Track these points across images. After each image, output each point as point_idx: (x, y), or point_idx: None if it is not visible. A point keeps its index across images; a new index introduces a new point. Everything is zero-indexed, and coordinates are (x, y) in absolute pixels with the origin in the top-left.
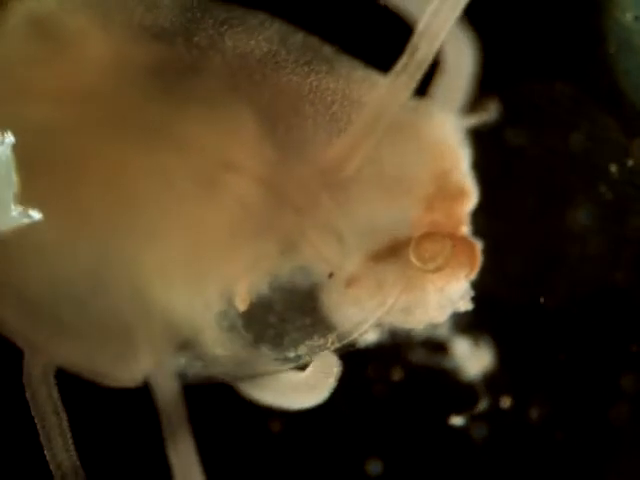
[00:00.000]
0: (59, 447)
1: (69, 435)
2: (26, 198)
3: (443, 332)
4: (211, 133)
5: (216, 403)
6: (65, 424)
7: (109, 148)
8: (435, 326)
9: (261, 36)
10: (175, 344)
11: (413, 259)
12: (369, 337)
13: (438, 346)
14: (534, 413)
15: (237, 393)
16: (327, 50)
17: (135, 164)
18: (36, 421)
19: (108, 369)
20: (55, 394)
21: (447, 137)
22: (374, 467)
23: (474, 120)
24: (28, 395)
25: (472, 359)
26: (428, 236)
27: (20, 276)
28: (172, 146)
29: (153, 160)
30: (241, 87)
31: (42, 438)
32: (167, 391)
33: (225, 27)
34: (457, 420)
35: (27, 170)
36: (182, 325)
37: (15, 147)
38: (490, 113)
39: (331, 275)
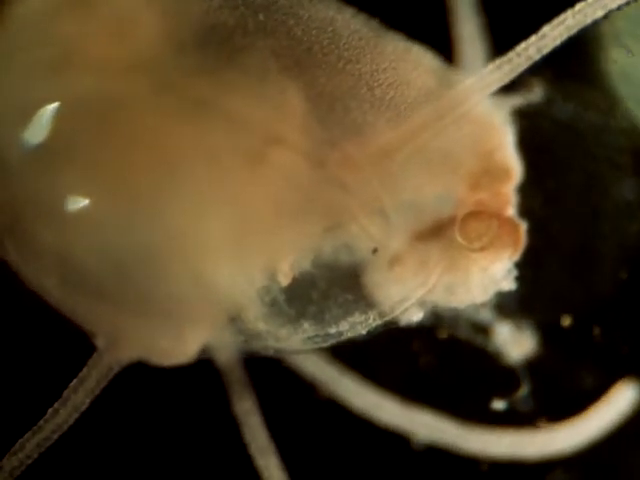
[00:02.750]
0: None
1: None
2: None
3: (486, 315)
4: (259, 107)
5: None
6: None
7: (154, 119)
8: (478, 309)
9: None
10: (222, 318)
11: (458, 238)
12: (412, 315)
13: (481, 328)
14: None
15: None
16: (375, 25)
17: (180, 136)
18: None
19: (157, 344)
20: (97, 390)
21: (492, 115)
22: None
23: (519, 100)
24: (81, 373)
25: (514, 343)
26: (474, 215)
27: (69, 246)
28: (218, 118)
29: (198, 132)
30: (296, 61)
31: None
32: (226, 357)
33: None
34: (499, 404)
35: (72, 140)
36: (225, 300)
37: (60, 118)
38: (536, 93)
39: (375, 251)
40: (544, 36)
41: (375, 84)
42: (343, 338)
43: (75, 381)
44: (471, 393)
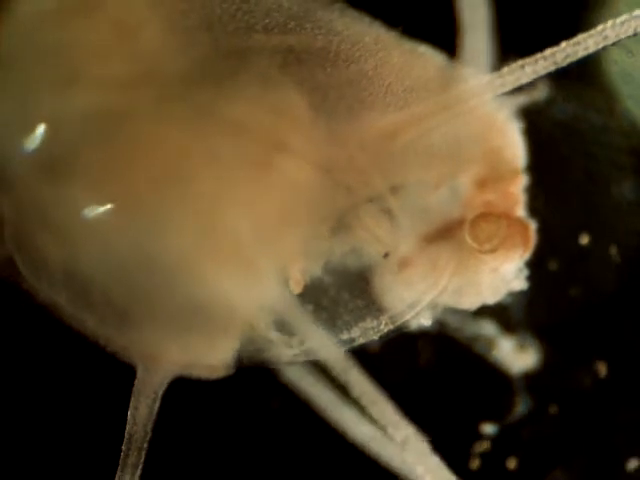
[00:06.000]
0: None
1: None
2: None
3: (490, 331)
4: (262, 113)
5: None
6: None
7: (159, 128)
8: (481, 325)
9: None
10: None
11: (468, 239)
12: (423, 319)
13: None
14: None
15: None
16: (380, 26)
17: (185, 144)
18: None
19: (190, 357)
20: (152, 416)
21: (497, 114)
22: None
23: (523, 98)
24: (132, 404)
25: (515, 359)
26: (484, 216)
27: (75, 259)
28: (223, 126)
29: (203, 140)
30: (297, 64)
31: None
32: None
33: None
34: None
35: (77, 152)
36: (241, 309)
37: (64, 130)
38: (540, 92)
39: (387, 255)
40: (577, 43)
41: (375, 77)
42: (355, 344)
43: (129, 415)
44: (463, 414)
